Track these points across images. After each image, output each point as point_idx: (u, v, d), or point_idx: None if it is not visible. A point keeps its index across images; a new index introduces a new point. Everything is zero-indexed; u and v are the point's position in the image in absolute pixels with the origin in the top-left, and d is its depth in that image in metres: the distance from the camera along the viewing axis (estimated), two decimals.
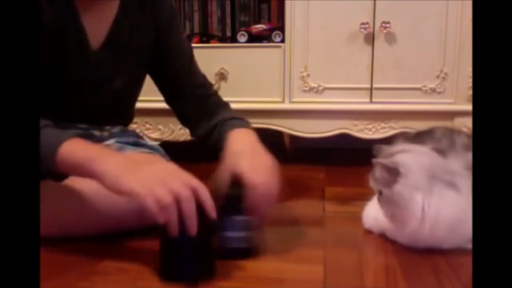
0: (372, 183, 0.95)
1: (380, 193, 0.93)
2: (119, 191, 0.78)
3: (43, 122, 0.85)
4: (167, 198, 0.73)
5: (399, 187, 0.88)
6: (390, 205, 0.91)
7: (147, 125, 1.65)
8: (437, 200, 0.87)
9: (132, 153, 0.96)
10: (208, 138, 1.14)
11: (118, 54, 1.07)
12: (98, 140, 1.09)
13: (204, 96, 1.19)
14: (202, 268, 0.79)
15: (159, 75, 1.19)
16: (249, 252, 0.88)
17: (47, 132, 0.85)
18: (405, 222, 0.89)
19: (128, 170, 0.79)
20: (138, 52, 1.12)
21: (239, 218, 0.86)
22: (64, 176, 0.98)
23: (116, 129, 1.16)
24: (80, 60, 1.02)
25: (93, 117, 1.10)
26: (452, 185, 0.88)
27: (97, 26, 1.03)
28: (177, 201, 0.74)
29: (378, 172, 0.92)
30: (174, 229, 0.74)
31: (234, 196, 0.87)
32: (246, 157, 0.94)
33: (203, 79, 1.22)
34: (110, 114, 1.14)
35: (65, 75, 1.02)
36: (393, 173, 0.89)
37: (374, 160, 0.93)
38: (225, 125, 1.09)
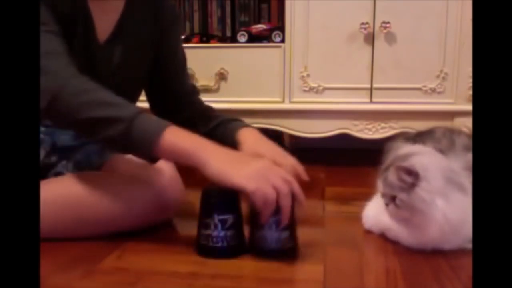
0: (383, 188, 0.92)
1: (393, 198, 0.90)
2: (225, 183, 0.82)
3: (134, 109, 0.87)
4: (273, 195, 0.80)
5: (420, 192, 0.86)
6: (408, 210, 0.88)
7: None
8: (453, 203, 0.85)
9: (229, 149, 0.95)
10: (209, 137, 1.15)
11: (123, 48, 1.07)
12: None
13: (196, 102, 1.22)
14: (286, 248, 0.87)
15: (153, 76, 1.20)
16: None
17: (145, 118, 0.86)
18: (425, 227, 0.87)
19: (233, 164, 0.84)
20: (143, 48, 1.12)
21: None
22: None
23: None
24: (86, 52, 1.02)
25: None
26: (461, 187, 0.87)
27: (104, 19, 1.04)
28: (278, 195, 0.81)
29: (392, 176, 0.89)
30: (268, 219, 0.83)
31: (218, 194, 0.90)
32: (265, 148, 1.01)
33: (192, 86, 1.24)
34: None
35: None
36: (412, 176, 0.86)
37: (393, 164, 0.89)
38: (230, 124, 1.11)
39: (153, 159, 0.93)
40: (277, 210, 0.83)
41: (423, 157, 0.90)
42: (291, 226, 0.87)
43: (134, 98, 1.21)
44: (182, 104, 1.20)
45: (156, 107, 1.25)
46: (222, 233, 0.86)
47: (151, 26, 1.13)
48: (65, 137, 1.09)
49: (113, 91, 1.08)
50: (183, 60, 1.23)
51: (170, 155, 0.87)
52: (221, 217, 0.86)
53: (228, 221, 0.86)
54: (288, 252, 0.87)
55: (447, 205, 0.85)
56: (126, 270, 0.84)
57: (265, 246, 0.87)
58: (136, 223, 0.97)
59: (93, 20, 1.01)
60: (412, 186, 0.86)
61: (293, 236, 0.88)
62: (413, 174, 0.86)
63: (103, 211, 0.94)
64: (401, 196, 0.88)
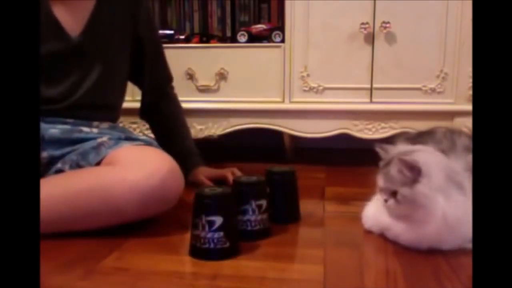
0: (383, 182, 0.92)
1: (394, 193, 0.90)
2: None
3: None
4: None
5: (421, 187, 0.86)
6: (409, 205, 0.88)
7: (147, 125, 1.65)
8: (452, 202, 0.85)
9: None
10: (172, 139, 1.36)
11: (98, 39, 1.12)
12: (87, 137, 1.09)
13: (171, 92, 1.40)
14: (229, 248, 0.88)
15: (138, 67, 1.28)
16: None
17: None
18: (424, 222, 0.87)
19: None
20: (119, 36, 1.18)
21: (257, 202, 0.96)
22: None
23: (105, 125, 1.17)
24: (59, 48, 1.07)
25: (80, 106, 1.13)
26: (460, 186, 0.87)
27: (73, 13, 1.09)
28: None
29: (394, 170, 0.89)
30: None
31: (250, 183, 0.98)
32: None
33: (170, 76, 1.39)
34: (96, 102, 1.16)
35: (46, 60, 1.05)
36: (414, 172, 0.87)
37: (396, 158, 0.90)
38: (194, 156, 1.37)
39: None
40: (210, 210, 0.86)
41: (424, 154, 0.90)
42: (227, 227, 0.87)
43: (116, 89, 1.25)
44: (163, 94, 1.36)
45: (144, 101, 1.36)
46: (209, 235, 0.86)
47: (127, 15, 1.19)
48: (53, 131, 1.09)
49: (96, 84, 1.14)
50: (161, 46, 1.36)
51: None
52: (208, 218, 0.85)
53: (216, 223, 0.86)
54: (224, 252, 0.87)
55: (447, 203, 0.85)
56: (126, 270, 0.84)
57: (201, 246, 0.87)
58: (135, 215, 0.96)
59: (56, 17, 1.06)
60: (413, 181, 0.87)
61: (230, 237, 0.87)
62: (416, 169, 0.87)
63: (100, 203, 0.94)
64: (403, 190, 0.88)
